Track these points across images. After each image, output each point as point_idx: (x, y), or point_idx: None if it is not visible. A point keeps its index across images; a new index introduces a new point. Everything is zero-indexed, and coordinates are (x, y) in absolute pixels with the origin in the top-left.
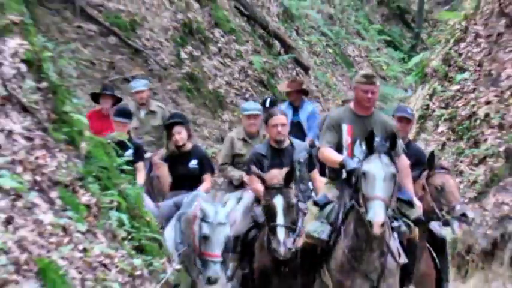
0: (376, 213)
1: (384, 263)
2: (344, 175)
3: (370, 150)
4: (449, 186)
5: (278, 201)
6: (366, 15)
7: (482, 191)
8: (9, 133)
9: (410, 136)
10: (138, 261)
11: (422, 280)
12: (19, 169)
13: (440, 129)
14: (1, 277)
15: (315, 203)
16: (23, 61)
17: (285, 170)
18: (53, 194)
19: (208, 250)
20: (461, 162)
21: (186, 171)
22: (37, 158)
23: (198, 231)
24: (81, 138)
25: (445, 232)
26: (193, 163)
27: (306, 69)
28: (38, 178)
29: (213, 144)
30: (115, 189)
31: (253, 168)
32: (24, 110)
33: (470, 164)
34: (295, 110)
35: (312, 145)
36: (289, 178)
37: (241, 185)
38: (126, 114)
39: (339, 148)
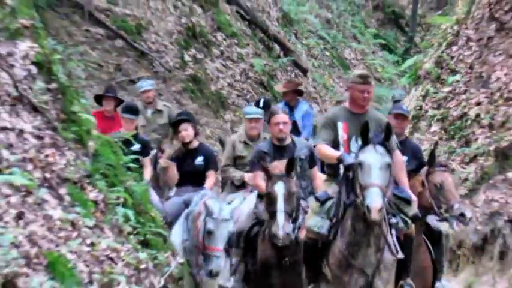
0: (374, 200)
1: (380, 258)
2: (342, 170)
3: (365, 142)
4: (448, 185)
5: (279, 188)
6: (362, 20)
7: (473, 188)
8: (20, 132)
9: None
10: (143, 255)
11: (421, 273)
12: (29, 167)
13: (433, 129)
14: (12, 270)
15: (316, 199)
16: (33, 63)
17: (285, 160)
18: (62, 191)
19: (211, 244)
20: (452, 160)
21: (192, 168)
22: (47, 156)
23: (202, 226)
24: (89, 137)
25: (443, 226)
26: (199, 160)
27: (304, 71)
28: (47, 175)
29: (215, 143)
30: (121, 186)
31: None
32: (35, 110)
33: (461, 162)
34: (291, 109)
35: None
36: (290, 167)
37: (242, 185)
38: (133, 110)
39: (335, 145)
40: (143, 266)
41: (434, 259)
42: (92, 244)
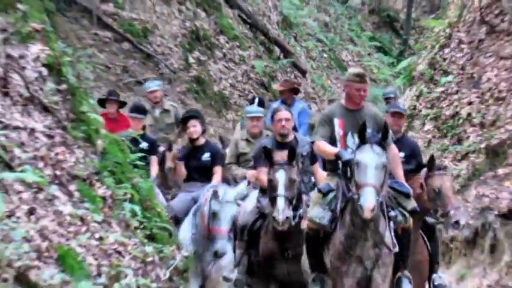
0: (367, 199)
1: (379, 253)
2: (340, 166)
3: (362, 141)
4: (446, 189)
5: (280, 175)
6: (358, 23)
7: (464, 184)
8: (32, 131)
9: None
10: (149, 248)
11: (417, 266)
12: (41, 164)
13: (426, 127)
14: (24, 263)
15: (319, 190)
16: (44, 65)
17: (287, 150)
18: (72, 187)
19: (216, 226)
20: (445, 158)
21: (199, 164)
22: (57, 154)
23: (207, 210)
24: (98, 136)
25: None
26: (206, 156)
27: (303, 72)
28: (58, 172)
29: (217, 142)
30: (128, 182)
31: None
32: (45, 110)
33: (453, 159)
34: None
35: None
36: (291, 156)
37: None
38: (141, 110)
39: (332, 141)
40: (149, 259)
41: (430, 252)
42: (101, 238)
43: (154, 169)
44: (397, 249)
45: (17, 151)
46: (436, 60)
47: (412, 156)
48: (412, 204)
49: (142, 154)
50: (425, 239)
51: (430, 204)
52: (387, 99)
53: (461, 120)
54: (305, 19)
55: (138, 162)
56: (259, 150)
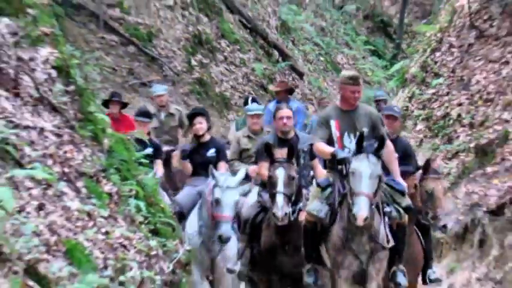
0: (361, 208)
1: (374, 247)
2: (336, 164)
3: (359, 150)
4: (438, 192)
5: (280, 173)
6: (353, 28)
7: (454, 182)
8: (41, 130)
9: None
10: (153, 242)
11: (412, 261)
12: (50, 162)
13: (418, 127)
14: (34, 256)
15: (317, 185)
16: (53, 67)
17: (286, 148)
18: (79, 184)
19: (219, 212)
20: (436, 156)
21: (205, 159)
22: (65, 152)
23: (211, 197)
24: (104, 135)
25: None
26: (211, 152)
27: (300, 75)
28: (66, 170)
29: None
30: (134, 179)
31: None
32: (54, 110)
33: (444, 158)
34: None
35: None
36: (290, 154)
37: (247, 178)
38: (146, 114)
39: (330, 142)
40: (153, 252)
41: (424, 248)
42: (107, 233)
43: (160, 170)
44: (390, 245)
45: (27, 149)
46: (427, 63)
47: (405, 157)
48: (406, 201)
49: (149, 159)
50: (420, 235)
51: (422, 206)
52: (377, 102)
53: (451, 121)
54: (302, 24)
55: (143, 160)
56: (261, 146)
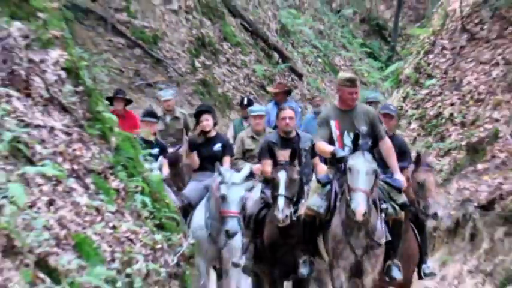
0: (359, 204)
1: (370, 243)
2: (336, 162)
3: (355, 148)
4: (429, 183)
5: (282, 175)
6: (350, 31)
7: (447, 178)
8: (51, 129)
9: None
10: (158, 236)
11: (408, 257)
12: (59, 159)
13: (412, 126)
14: (44, 250)
15: (318, 181)
16: (63, 69)
17: (289, 150)
18: (88, 180)
19: (225, 208)
20: (429, 153)
21: (211, 154)
22: (74, 150)
23: (218, 193)
24: (112, 134)
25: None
26: (217, 147)
27: (299, 76)
28: (75, 167)
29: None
30: (140, 176)
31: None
32: (64, 109)
33: (437, 155)
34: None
35: None
36: (293, 157)
37: (251, 176)
38: (153, 114)
39: (331, 141)
40: (159, 246)
41: (420, 244)
42: (114, 227)
43: (166, 169)
44: (384, 240)
45: (38, 147)
46: (421, 65)
47: (401, 153)
48: (402, 198)
49: (153, 153)
50: (416, 232)
51: (414, 197)
52: (368, 104)
53: (444, 120)
54: (301, 27)
55: (149, 158)
56: (264, 144)
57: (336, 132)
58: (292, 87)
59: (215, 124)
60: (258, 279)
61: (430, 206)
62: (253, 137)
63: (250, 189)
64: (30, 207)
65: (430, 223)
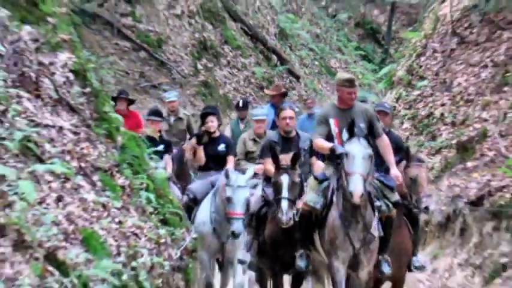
0: (356, 186)
1: (366, 237)
2: (334, 158)
3: (351, 135)
4: (421, 179)
5: (284, 179)
6: (345, 35)
7: (438, 176)
8: (60, 129)
9: None
10: (162, 231)
11: (403, 252)
12: (68, 157)
13: (404, 126)
14: (53, 244)
15: (315, 178)
16: (71, 71)
17: (291, 154)
18: (95, 178)
19: (231, 209)
20: (421, 152)
21: (215, 153)
22: (82, 148)
23: (224, 194)
24: (118, 133)
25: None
26: (222, 146)
27: (297, 78)
28: (82, 165)
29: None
30: (144, 173)
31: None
32: (72, 110)
33: (428, 154)
34: (276, 110)
35: None
36: (294, 161)
37: (254, 176)
38: (158, 113)
39: (329, 138)
40: (162, 240)
41: (413, 240)
42: (120, 222)
43: (169, 166)
44: (381, 234)
45: (47, 146)
46: (413, 67)
47: (396, 149)
48: (395, 196)
49: (160, 154)
50: (409, 225)
51: (407, 192)
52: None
53: (435, 120)
54: (299, 31)
55: (153, 156)
56: (266, 143)
57: (335, 130)
58: (290, 88)
59: (219, 125)
60: (261, 271)
61: (421, 201)
62: (255, 140)
63: (254, 187)
64: (40, 203)
65: (422, 217)
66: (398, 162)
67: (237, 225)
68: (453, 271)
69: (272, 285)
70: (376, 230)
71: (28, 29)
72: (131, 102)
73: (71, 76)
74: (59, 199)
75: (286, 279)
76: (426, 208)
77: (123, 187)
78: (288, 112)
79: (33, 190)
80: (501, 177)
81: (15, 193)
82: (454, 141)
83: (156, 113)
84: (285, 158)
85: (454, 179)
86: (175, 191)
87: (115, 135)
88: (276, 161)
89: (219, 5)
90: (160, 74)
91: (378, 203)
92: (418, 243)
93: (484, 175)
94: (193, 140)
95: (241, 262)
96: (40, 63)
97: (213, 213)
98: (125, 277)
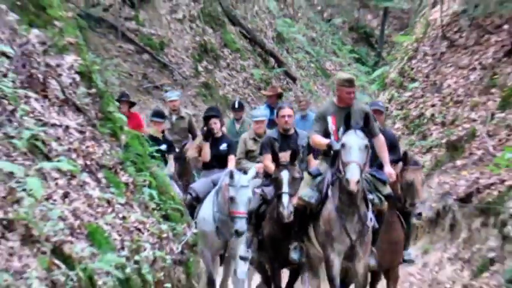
0: (353, 174)
1: (362, 229)
2: (331, 153)
3: (348, 127)
4: (417, 183)
5: (284, 175)
6: (340, 38)
7: (428, 174)
8: (66, 128)
9: None
10: (164, 226)
11: (396, 246)
12: (74, 155)
13: (396, 125)
14: (59, 238)
15: (309, 173)
16: (77, 72)
17: (290, 151)
18: (100, 175)
19: (234, 209)
20: (412, 151)
21: (218, 153)
22: (87, 147)
23: (227, 194)
24: (122, 132)
25: None
26: (224, 146)
27: (294, 79)
28: (88, 162)
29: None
30: (147, 171)
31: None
32: (78, 110)
33: (419, 152)
34: (272, 109)
35: None
36: (293, 157)
37: (255, 175)
38: (161, 115)
39: (326, 135)
40: (164, 235)
41: (405, 231)
42: (124, 218)
43: (172, 166)
44: (376, 226)
45: (54, 144)
46: (405, 70)
47: (391, 146)
48: (387, 190)
49: (161, 149)
50: (403, 220)
51: (401, 193)
52: None
53: (425, 120)
54: (295, 35)
55: (155, 154)
56: (266, 140)
57: (332, 127)
58: (287, 89)
59: (221, 126)
60: (261, 265)
61: (416, 206)
62: (255, 139)
63: (258, 187)
64: (47, 199)
65: (413, 221)
66: (393, 162)
67: (241, 224)
68: (443, 265)
69: (271, 279)
70: (371, 222)
71: (36, 32)
72: (132, 104)
73: (77, 77)
74: (65, 195)
75: (286, 279)
76: (419, 214)
77: (126, 184)
78: (287, 110)
79: (40, 187)
80: (489, 175)
81: (24, 189)
82: (444, 141)
83: (158, 114)
84: (284, 156)
85: (444, 177)
86: (176, 189)
87: (119, 134)
88: (275, 158)
89: (219, 9)
90: (163, 75)
91: (370, 196)
92: (410, 237)
93: (473, 173)
94: (200, 138)
95: (244, 258)
96: (47, 65)
97: (216, 213)
98: (128, 270)
